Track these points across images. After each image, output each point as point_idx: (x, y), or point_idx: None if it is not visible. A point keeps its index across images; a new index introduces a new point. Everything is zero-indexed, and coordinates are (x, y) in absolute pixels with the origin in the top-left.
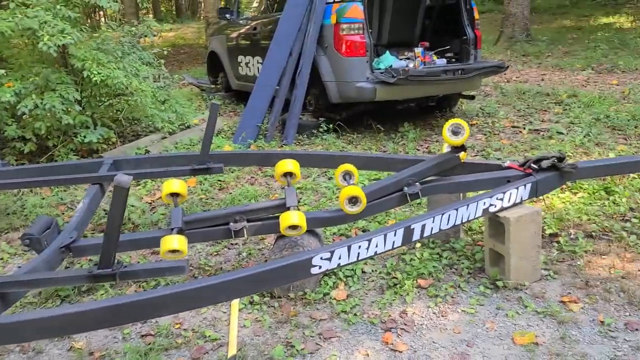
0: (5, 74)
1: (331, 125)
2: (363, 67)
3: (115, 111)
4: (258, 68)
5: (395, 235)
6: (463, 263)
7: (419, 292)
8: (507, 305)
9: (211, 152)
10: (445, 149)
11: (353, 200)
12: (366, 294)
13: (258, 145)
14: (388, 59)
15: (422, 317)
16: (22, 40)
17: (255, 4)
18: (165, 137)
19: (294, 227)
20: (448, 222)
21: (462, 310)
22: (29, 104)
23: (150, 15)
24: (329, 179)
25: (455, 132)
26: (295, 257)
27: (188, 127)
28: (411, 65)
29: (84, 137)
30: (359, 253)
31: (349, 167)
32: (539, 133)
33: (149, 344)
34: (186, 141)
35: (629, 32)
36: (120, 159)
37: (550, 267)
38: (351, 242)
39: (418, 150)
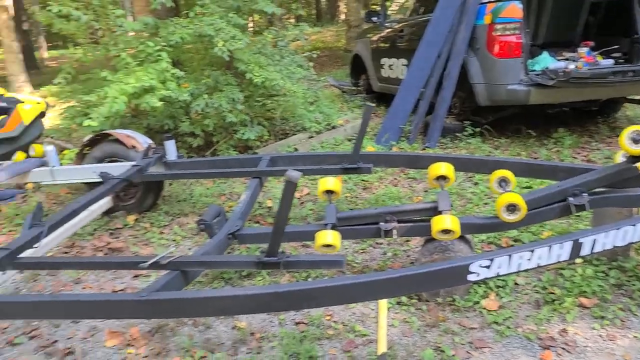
0: (183, 76)
1: (477, 129)
2: (517, 68)
3: (266, 111)
4: (402, 70)
5: (561, 248)
6: (634, 284)
7: (581, 311)
8: None
9: (361, 152)
10: (620, 158)
11: (511, 208)
12: (520, 307)
13: (400, 147)
14: (545, 60)
15: (586, 338)
16: (196, 46)
17: (394, 7)
18: (312, 137)
19: (446, 232)
20: (624, 239)
21: (634, 336)
22: (201, 103)
23: (292, 20)
24: (475, 184)
25: (636, 140)
26: (452, 262)
27: (333, 127)
28: (572, 67)
29: (243, 134)
30: (520, 263)
31: (505, 173)
32: None
33: (303, 331)
34: (331, 141)
35: None
36: (276, 156)
37: None
38: (513, 252)
39: (575, 158)
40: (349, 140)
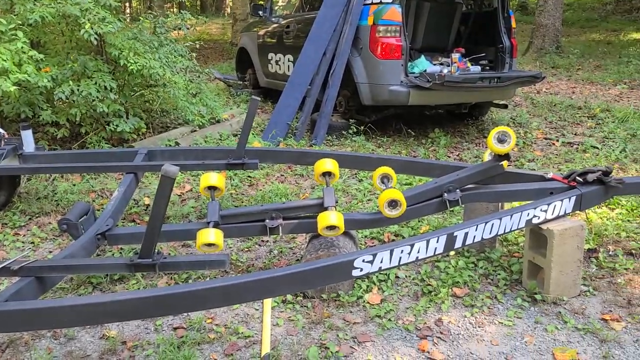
0: (43, 59)
1: (362, 127)
2: (398, 70)
3: (144, 102)
4: (288, 66)
5: (437, 241)
6: (499, 274)
7: (454, 300)
8: (545, 320)
9: (247, 147)
10: (487, 157)
11: (393, 204)
12: (400, 299)
13: (287, 143)
14: (422, 64)
15: (459, 326)
16: (61, 27)
17: (281, 3)
18: (195, 131)
19: (331, 228)
20: (491, 232)
21: (500, 322)
22: (66, 90)
23: (174, 9)
24: (359, 181)
25: (501, 140)
26: (337, 258)
27: (218, 121)
28: (446, 71)
29: (117, 126)
30: (400, 257)
31: (387, 170)
32: (572, 146)
33: (182, 337)
34: (215, 135)
35: None
36: (155, 150)
37: (589, 283)
38: (394, 247)
39: (449, 157)
40: (235, 135)
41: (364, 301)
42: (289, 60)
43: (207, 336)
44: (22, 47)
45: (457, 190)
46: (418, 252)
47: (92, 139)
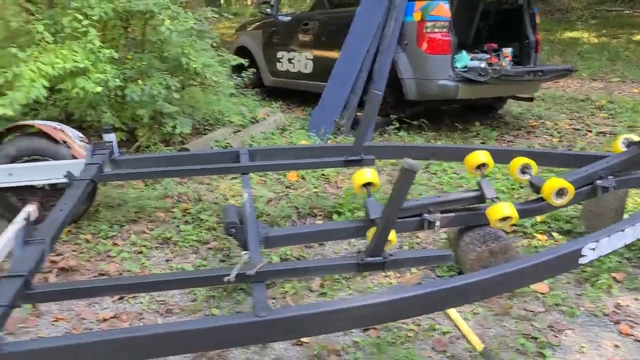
0: (116, 58)
1: (414, 122)
2: (446, 65)
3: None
4: (305, 64)
5: None
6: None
7: (617, 285)
8: None
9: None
10: (620, 144)
11: (560, 192)
12: (565, 287)
13: (335, 140)
14: (464, 58)
15: (638, 308)
16: (113, 23)
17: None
18: (239, 131)
19: (504, 219)
20: None
21: None
22: (136, 90)
23: None
24: (434, 174)
25: None
26: (566, 248)
27: (257, 120)
28: (483, 65)
29: (174, 127)
30: (615, 243)
31: (525, 159)
32: (605, 135)
33: (379, 337)
34: (259, 135)
35: (617, 46)
36: (254, 150)
37: None
38: (611, 232)
39: None
40: (273, 134)
41: (532, 290)
42: (306, 58)
43: (404, 335)
44: (98, 45)
45: (609, 176)
46: (626, 237)
47: (148, 142)
